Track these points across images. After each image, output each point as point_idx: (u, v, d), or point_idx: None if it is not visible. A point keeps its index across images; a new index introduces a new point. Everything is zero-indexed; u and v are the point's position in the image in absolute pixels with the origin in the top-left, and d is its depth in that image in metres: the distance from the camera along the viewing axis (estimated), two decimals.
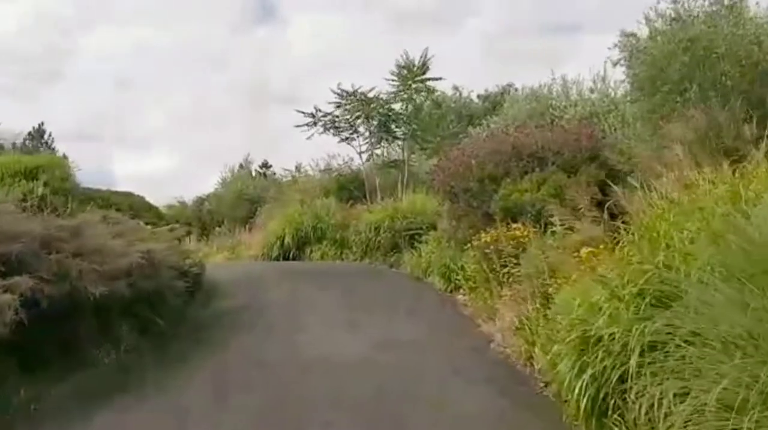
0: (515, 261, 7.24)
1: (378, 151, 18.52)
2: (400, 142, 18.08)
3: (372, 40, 32.91)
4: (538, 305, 6.06)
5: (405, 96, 17.26)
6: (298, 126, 17.30)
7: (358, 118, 17.37)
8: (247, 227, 19.87)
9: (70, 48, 38.45)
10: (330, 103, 17.26)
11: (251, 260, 16.94)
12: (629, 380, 3.62)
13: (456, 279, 9.53)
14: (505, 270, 7.40)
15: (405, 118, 17.44)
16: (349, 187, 17.81)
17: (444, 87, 19.91)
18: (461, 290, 9.27)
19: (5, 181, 9.08)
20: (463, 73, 30.85)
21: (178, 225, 12.56)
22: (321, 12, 32.51)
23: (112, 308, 6.53)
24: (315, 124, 17.39)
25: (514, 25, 32.48)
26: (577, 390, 4.03)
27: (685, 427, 2.93)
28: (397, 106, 17.48)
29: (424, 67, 16.96)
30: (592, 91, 14.52)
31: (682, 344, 3.24)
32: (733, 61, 8.15)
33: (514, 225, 8.07)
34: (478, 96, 22.75)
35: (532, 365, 5.80)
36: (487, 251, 7.92)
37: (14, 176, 9.26)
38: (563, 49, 29.50)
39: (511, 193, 8.86)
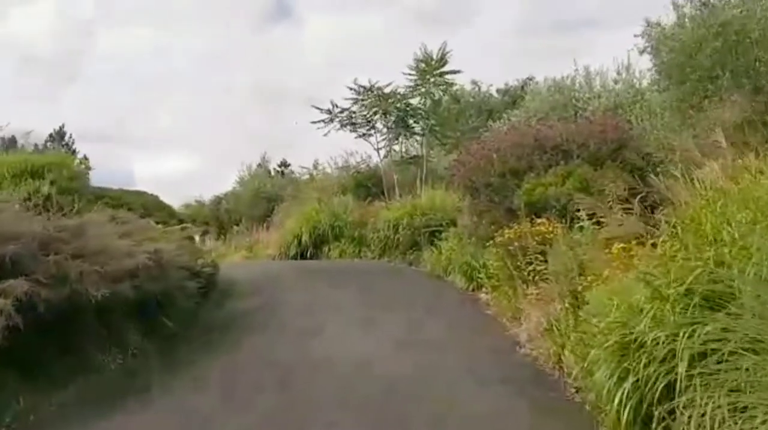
0: (541, 258, 6.93)
1: (396, 147, 18.36)
2: (418, 138, 17.84)
3: (389, 38, 32.58)
4: (567, 305, 5.73)
5: (423, 90, 16.91)
6: (314, 122, 17.09)
7: (375, 113, 17.05)
8: (264, 225, 19.74)
9: (91, 50, 38.66)
10: (347, 98, 17.01)
11: (269, 258, 16.80)
12: (676, 390, 3.27)
13: (478, 277, 9.23)
14: (530, 268, 7.09)
15: (423, 113, 17.13)
16: (367, 184, 17.54)
17: (462, 81, 19.63)
18: (483, 289, 9.00)
19: (12, 180, 8.89)
20: (480, 70, 30.51)
21: (192, 224, 12.34)
22: (339, 12, 32.38)
23: (117, 311, 6.27)
24: (332, 120, 17.13)
25: (528, 23, 32.08)
26: (617, 399, 3.66)
27: None
28: (414, 101, 17.16)
29: (442, 60, 16.61)
30: (616, 81, 14.18)
31: (739, 351, 2.93)
32: None
33: (539, 220, 7.76)
34: (498, 90, 22.30)
35: (561, 368, 5.47)
36: (510, 247, 7.58)
37: (21, 175, 9.05)
38: (579, 46, 29.07)
39: (534, 188, 8.59)
